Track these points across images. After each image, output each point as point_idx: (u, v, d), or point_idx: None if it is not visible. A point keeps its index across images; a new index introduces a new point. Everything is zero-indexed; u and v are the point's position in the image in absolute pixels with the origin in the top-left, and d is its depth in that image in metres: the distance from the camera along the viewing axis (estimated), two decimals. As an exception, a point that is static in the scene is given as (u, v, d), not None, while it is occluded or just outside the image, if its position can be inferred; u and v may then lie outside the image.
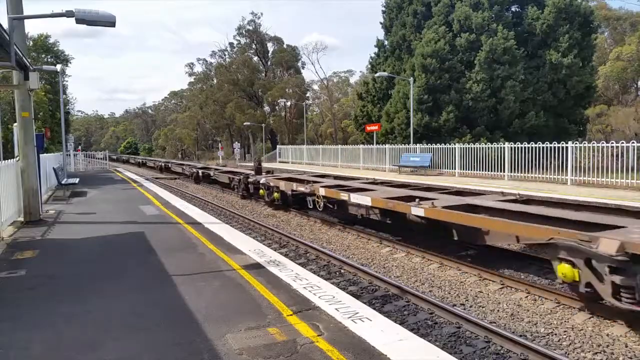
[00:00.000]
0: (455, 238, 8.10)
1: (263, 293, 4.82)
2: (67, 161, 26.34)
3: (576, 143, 16.03)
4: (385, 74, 27.82)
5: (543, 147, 16.24)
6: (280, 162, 38.11)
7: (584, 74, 25.74)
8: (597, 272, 5.08)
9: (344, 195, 10.46)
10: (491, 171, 18.27)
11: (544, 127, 25.22)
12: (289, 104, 56.98)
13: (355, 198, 10.02)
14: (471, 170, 19.18)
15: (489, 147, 18.91)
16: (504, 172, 17.66)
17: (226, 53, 60.72)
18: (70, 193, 15.29)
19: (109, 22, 8.67)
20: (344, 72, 65.06)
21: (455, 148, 20.30)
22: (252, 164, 36.73)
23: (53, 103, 28.65)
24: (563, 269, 5.41)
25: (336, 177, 16.13)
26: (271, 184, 14.37)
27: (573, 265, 5.34)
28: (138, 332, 3.93)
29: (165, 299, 4.73)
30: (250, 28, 57.54)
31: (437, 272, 7.72)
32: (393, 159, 24.21)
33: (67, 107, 36.78)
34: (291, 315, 4.21)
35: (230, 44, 59.87)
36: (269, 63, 59.76)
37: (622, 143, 14.40)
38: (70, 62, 35.75)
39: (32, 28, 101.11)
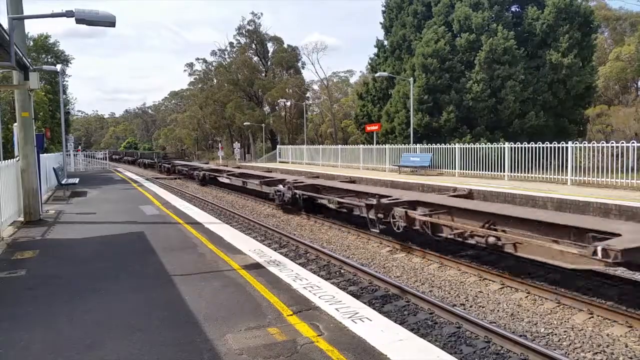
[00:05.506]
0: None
1: (263, 293, 4.82)
2: (67, 161, 26.33)
3: (576, 143, 16.00)
4: (385, 74, 27.78)
5: (543, 147, 16.22)
6: (280, 162, 38.07)
7: (584, 74, 25.70)
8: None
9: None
10: (491, 171, 18.24)
11: (544, 127, 25.19)
12: (288, 104, 56.92)
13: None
14: (471, 170, 19.15)
15: (489, 147, 18.89)
16: (504, 172, 17.63)
17: (226, 53, 60.64)
18: (70, 193, 15.28)
19: (109, 22, 8.67)
20: (344, 72, 65.14)
21: (455, 148, 20.27)
22: (250, 164, 36.83)
23: (53, 103, 28.64)
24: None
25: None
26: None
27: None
28: (138, 332, 3.93)
29: (165, 299, 4.73)
30: (250, 28, 57.43)
31: (437, 272, 7.73)
32: (393, 159, 24.18)
33: (67, 107, 36.78)
34: (291, 315, 4.21)
35: (230, 43, 59.73)
36: (269, 63, 59.63)
37: (622, 143, 14.38)
38: (70, 62, 35.82)
39: (32, 28, 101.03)
